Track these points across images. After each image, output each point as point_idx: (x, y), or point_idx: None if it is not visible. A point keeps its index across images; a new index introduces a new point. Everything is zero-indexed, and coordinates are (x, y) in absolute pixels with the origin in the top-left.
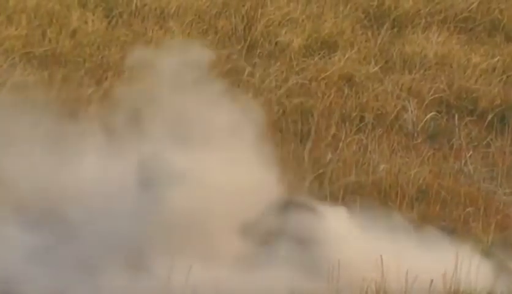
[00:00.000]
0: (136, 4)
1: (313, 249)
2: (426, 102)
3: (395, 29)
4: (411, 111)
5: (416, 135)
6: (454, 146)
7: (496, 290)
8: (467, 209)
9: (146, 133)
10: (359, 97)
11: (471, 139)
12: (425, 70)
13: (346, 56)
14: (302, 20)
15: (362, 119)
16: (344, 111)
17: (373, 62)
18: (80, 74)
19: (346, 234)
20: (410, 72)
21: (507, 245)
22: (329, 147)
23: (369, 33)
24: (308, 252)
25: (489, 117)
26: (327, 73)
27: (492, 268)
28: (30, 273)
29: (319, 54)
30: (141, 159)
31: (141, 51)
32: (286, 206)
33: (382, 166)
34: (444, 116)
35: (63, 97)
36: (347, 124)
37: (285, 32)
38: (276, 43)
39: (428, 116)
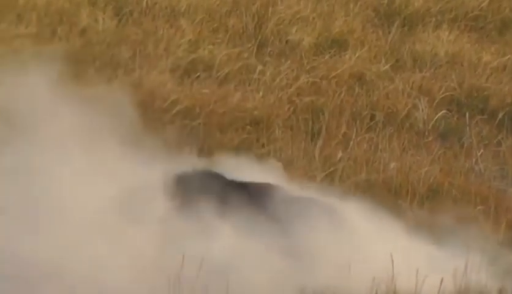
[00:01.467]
0: (146, 2)
1: (324, 247)
2: (437, 100)
3: (406, 28)
4: (422, 110)
5: (426, 133)
6: (465, 145)
7: (507, 288)
8: (478, 208)
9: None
10: (369, 96)
11: (481, 137)
12: (435, 69)
13: (357, 55)
14: (313, 18)
15: (372, 117)
16: (355, 109)
17: (383, 61)
18: (90, 72)
19: (357, 232)
20: (421, 71)
21: None
22: (339, 146)
23: (380, 32)
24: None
25: (500, 115)
26: (338, 71)
27: (503, 266)
28: None
29: (329, 52)
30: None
31: None
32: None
33: (393, 165)
34: (455, 114)
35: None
36: (358, 122)
37: (296, 31)
38: (287, 42)
39: (439, 115)
